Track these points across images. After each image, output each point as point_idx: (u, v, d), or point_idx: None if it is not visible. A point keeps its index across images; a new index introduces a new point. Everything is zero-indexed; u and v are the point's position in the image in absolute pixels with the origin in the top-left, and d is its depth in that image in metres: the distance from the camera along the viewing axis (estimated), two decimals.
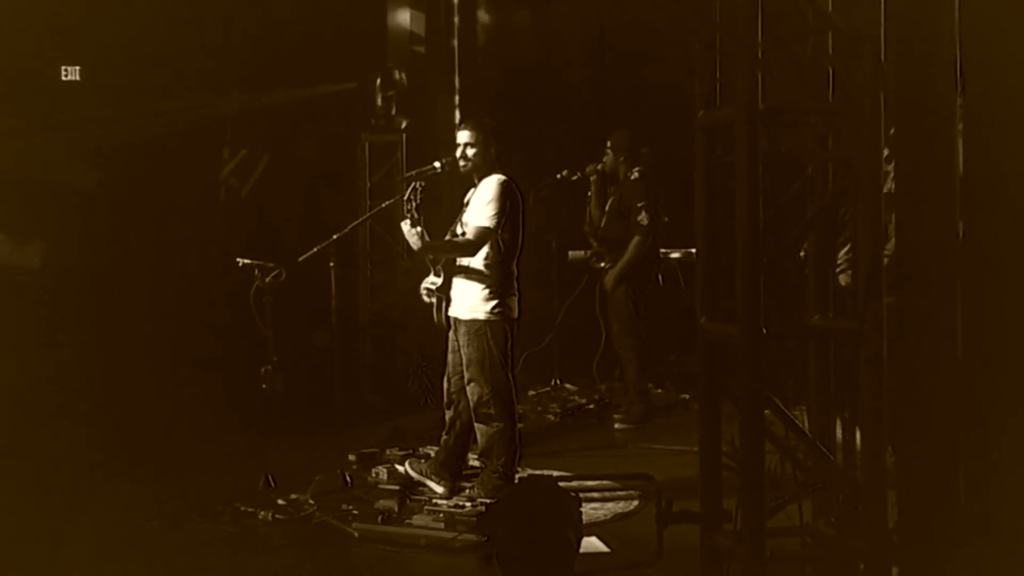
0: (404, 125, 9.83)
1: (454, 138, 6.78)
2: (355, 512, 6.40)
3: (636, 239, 8.78)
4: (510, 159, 6.69)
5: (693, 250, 8.56)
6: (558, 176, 9.17)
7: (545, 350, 9.51)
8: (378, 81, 9.66)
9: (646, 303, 9.00)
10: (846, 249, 5.00)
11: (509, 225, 6.43)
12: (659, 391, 9.51)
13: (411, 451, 7.57)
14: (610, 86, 10.59)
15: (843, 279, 5.07)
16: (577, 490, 5.69)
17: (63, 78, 8.57)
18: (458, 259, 6.48)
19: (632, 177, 8.87)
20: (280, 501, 6.54)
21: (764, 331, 4.47)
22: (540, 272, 6.59)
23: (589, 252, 9.18)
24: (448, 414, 6.76)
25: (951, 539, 4.29)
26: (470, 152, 6.54)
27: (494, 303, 6.40)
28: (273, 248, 7.72)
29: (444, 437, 6.78)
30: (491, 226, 6.38)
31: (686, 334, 9.10)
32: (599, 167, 9.08)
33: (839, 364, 4.84)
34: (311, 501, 6.57)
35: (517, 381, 6.61)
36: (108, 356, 8.36)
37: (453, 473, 6.66)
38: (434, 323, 6.69)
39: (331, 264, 7.03)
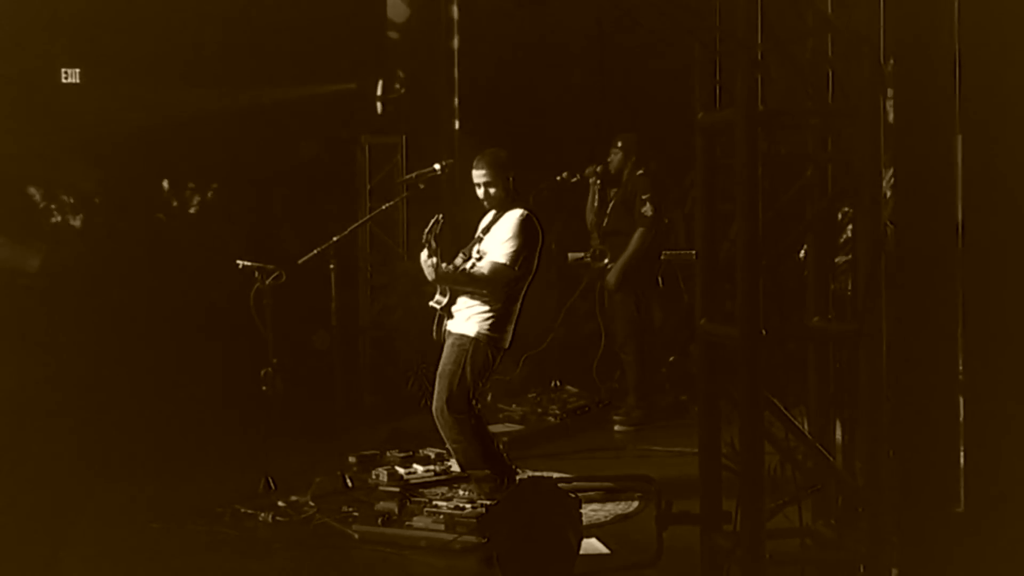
0: (404, 127, 9.84)
1: (454, 140, 6.77)
2: (355, 514, 6.39)
3: (640, 231, 8.77)
4: (511, 158, 6.69)
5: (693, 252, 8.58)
6: (557, 178, 9.16)
7: (545, 352, 9.50)
8: (379, 83, 9.67)
9: (647, 305, 9.00)
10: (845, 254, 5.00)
11: (524, 262, 6.41)
12: (659, 393, 9.50)
13: (411, 453, 7.58)
14: (610, 88, 10.59)
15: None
16: (577, 491, 5.69)
17: (63, 80, 8.58)
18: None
19: (638, 173, 8.90)
20: (280, 503, 6.54)
21: (764, 332, 4.47)
22: (539, 274, 6.59)
23: (589, 252, 9.18)
24: None
25: (950, 540, 4.29)
26: (492, 191, 6.47)
27: (487, 328, 6.37)
28: (273, 250, 7.73)
29: None
30: (508, 263, 6.34)
31: (686, 336, 9.14)
32: (598, 169, 9.09)
33: (838, 365, 4.84)
34: (311, 503, 6.57)
35: (515, 384, 6.58)
36: (108, 358, 8.36)
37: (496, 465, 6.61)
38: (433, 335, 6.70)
39: (331, 266, 7.03)
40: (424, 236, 6.27)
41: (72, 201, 8.74)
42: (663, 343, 9.56)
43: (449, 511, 6.13)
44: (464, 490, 6.64)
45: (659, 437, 8.46)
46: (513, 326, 6.46)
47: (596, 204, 9.12)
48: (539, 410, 9.06)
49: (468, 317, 6.41)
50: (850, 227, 4.84)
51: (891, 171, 4.51)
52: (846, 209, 4.84)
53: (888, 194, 4.55)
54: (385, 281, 9.90)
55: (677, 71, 5.99)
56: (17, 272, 8.37)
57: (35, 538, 6.05)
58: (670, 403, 9.38)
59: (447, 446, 6.58)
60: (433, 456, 7.50)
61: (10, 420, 7.48)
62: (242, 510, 6.43)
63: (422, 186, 6.76)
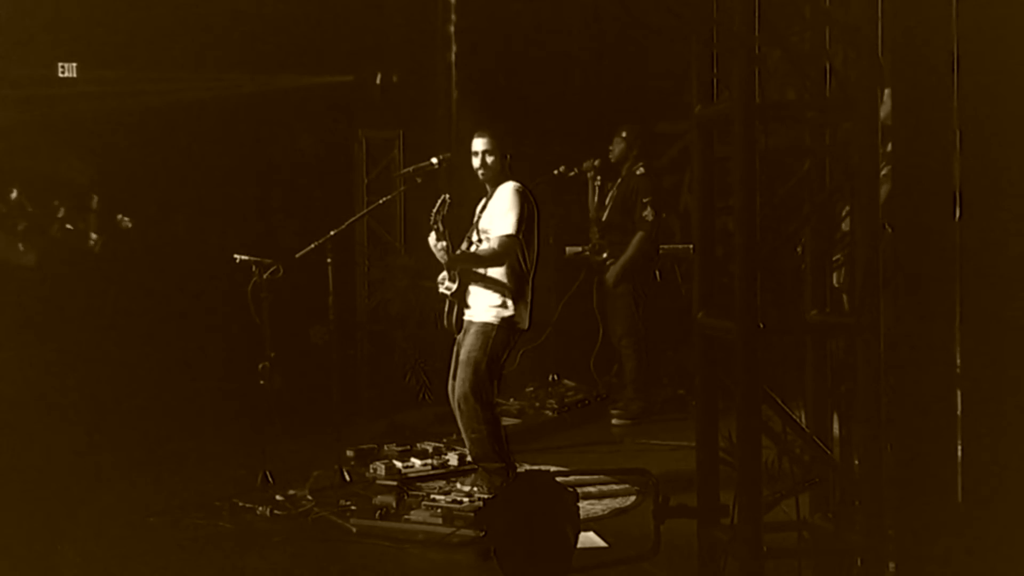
0: (401, 121, 9.84)
1: (451, 134, 6.78)
2: (353, 508, 6.40)
3: (640, 235, 8.79)
4: (510, 155, 6.69)
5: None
6: (555, 172, 9.16)
7: (542, 346, 9.51)
8: (378, 76, 9.66)
9: (646, 300, 9.01)
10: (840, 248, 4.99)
11: (526, 232, 6.44)
12: (657, 387, 9.51)
13: (408, 447, 7.58)
14: (607, 82, 10.59)
15: (836, 279, 5.06)
16: (574, 485, 5.69)
17: (60, 75, 8.57)
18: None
19: (637, 172, 8.88)
20: (278, 497, 6.55)
21: (761, 326, 4.47)
22: (537, 268, 6.61)
23: (588, 246, 9.19)
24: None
25: (948, 534, 4.30)
26: (489, 160, 6.54)
27: (507, 312, 6.42)
28: (270, 244, 7.72)
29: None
30: (513, 233, 6.39)
31: (683, 330, 9.14)
32: (596, 163, 9.09)
33: (836, 359, 4.84)
34: (309, 497, 6.57)
35: (513, 378, 6.61)
36: (105, 352, 8.36)
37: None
38: (440, 326, 6.70)
39: (328, 260, 7.03)
40: (432, 217, 6.29)
41: (68, 197, 8.71)
42: (661, 337, 9.57)
43: (447, 505, 6.15)
44: (470, 482, 6.65)
45: (657, 431, 8.48)
46: (529, 307, 6.50)
47: (596, 199, 9.13)
48: (537, 404, 9.07)
49: (486, 305, 6.44)
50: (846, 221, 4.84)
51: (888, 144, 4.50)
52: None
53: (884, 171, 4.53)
54: (382, 275, 9.91)
55: (675, 65, 6.00)
56: (14, 266, 8.35)
57: (33, 532, 6.05)
58: (668, 397, 9.40)
59: (463, 435, 6.57)
60: (431, 450, 7.52)
61: (7, 414, 7.47)
62: (240, 504, 6.44)
63: (420, 180, 6.77)
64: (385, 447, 7.58)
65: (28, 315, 8.02)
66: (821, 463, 4.69)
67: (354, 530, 6.08)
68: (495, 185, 6.55)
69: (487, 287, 6.45)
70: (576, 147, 9.51)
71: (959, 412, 4.33)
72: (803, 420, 4.83)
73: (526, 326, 6.52)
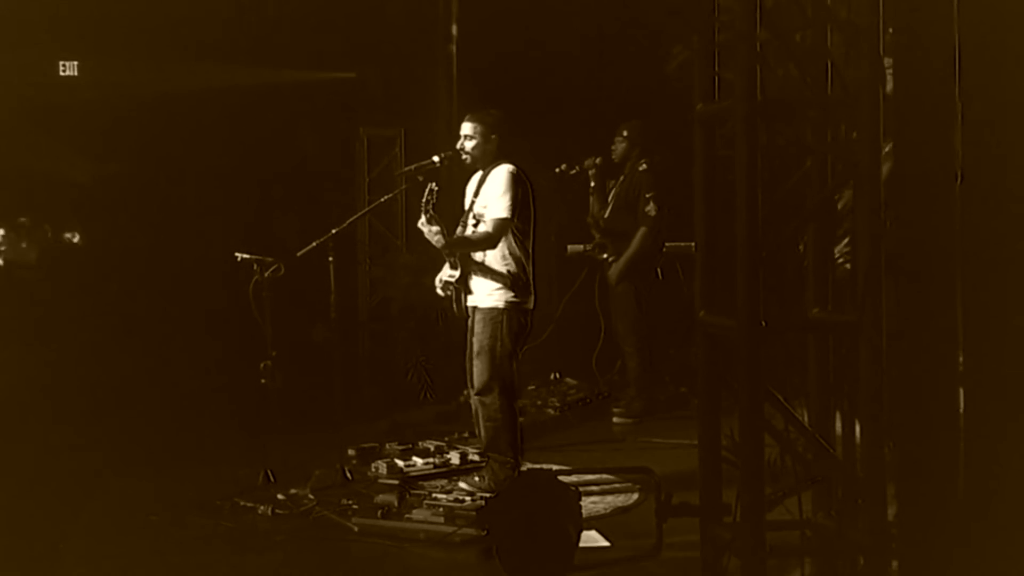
0: (403, 120, 9.84)
1: (452, 132, 6.80)
2: (354, 507, 6.39)
3: (642, 230, 8.77)
4: (511, 152, 6.68)
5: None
6: (557, 170, 9.15)
7: (544, 344, 9.50)
8: (378, 74, 9.67)
9: (648, 298, 8.99)
10: (845, 242, 4.98)
11: (522, 214, 6.45)
12: (659, 386, 9.50)
13: (410, 445, 7.58)
14: (609, 79, 10.57)
15: (841, 272, 5.05)
16: (577, 484, 5.68)
17: (61, 73, 8.57)
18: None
19: (640, 168, 8.86)
20: (279, 496, 6.54)
21: (763, 324, 4.46)
22: (539, 266, 6.61)
23: (590, 244, 9.17)
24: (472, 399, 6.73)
25: (951, 532, 4.29)
26: (468, 145, 6.59)
27: (511, 293, 6.44)
28: (272, 243, 7.71)
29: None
30: (508, 216, 6.42)
31: (686, 328, 9.12)
32: (597, 161, 9.07)
33: (838, 357, 4.83)
34: (310, 496, 6.57)
35: (519, 374, 6.62)
36: (107, 351, 8.36)
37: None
38: (451, 315, 6.72)
39: (330, 259, 7.04)
40: (422, 206, 6.31)
41: (69, 194, 8.73)
42: (663, 335, 9.56)
43: (448, 503, 6.14)
44: (476, 476, 6.64)
45: (659, 429, 8.46)
46: (533, 286, 6.52)
47: (598, 196, 9.10)
48: (539, 402, 9.07)
49: (489, 290, 6.46)
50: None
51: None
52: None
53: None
54: (384, 274, 9.91)
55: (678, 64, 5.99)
56: (15, 264, 8.36)
57: (35, 532, 6.05)
58: (670, 395, 9.38)
59: (478, 424, 6.57)
60: (432, 449, 7.52)
61: (9, 414, 7.47)
62: (241, 503, 6.43)
63: (421, 178, 6.75)
64: (387, 446, 7.57)
65: (29, 313, 8.03)
66: (823, 461, 4.68)
67: (356, 529, 6.07)
68: (486, 167, 6.57)
69: (488, 271, 6.46)
70: (577, 145, 9.49)
71: (962, 410, 4.32)
72: (805, 418, 4.83)
73: (531, 306, 6.53)
